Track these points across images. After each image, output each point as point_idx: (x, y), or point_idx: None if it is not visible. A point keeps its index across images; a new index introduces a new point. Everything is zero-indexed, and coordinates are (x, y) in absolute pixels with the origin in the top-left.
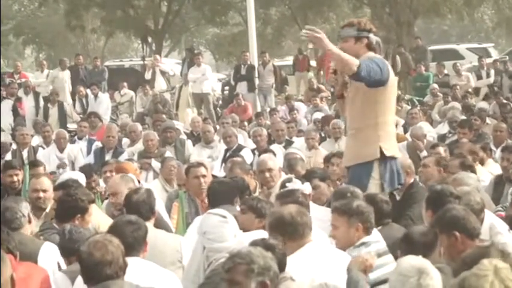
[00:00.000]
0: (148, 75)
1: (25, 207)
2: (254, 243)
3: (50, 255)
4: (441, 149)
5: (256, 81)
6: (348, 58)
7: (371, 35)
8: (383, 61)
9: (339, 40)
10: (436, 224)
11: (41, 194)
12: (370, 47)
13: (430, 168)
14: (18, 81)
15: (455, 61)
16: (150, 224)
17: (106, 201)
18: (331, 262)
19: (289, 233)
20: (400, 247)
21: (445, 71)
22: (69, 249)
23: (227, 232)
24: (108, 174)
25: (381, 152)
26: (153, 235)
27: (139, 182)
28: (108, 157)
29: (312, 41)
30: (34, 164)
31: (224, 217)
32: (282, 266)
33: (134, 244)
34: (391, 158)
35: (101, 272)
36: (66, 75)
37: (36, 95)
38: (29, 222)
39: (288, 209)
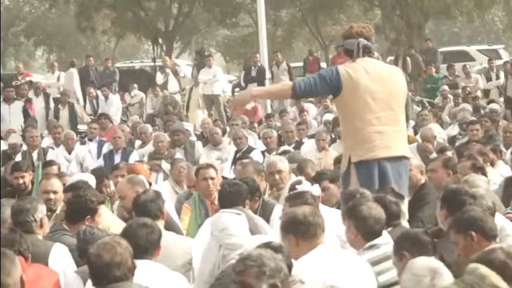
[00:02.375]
0: (160, 79)
1: (40, 211)
2: (261, 246)
3: (60, 256)
4: (449, 154)
5: (271, 82)
6: (274, 90)
7: (347, 41)
8: (335, 70)
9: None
10: (454, 224)
11: (52, 196)
12: (348, 53)
13: (438, 173)
14: (23, 81)
15: (465, 63)
16: (160, 226)
17: (117, 202)
18: (343, 264)
19: (302, 232)
20: (405, 247)
21: (456, 73)
22: (81, 250)
23: (244, 228)
24: (119, 179)
25: (349, 160)
26: (163, 237)
27: (150, 184)
28: (117, 158)
29: (236, 108)
30: (48, 163)
31: (239, 214)
32: (288, 269)
33: (147, 247)
34: (370, 161)
35: (110, 273)
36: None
37: (47, 96)
38: (41, 226)
39: (302, 209)
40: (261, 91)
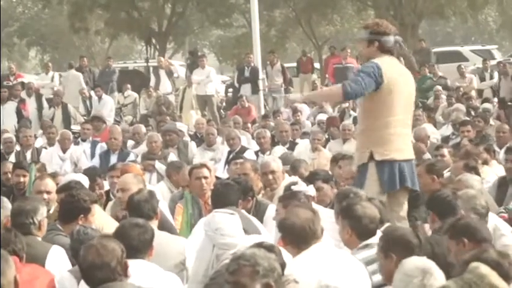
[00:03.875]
0: (153, 81)
1: (41, 214)
2: (253, 246)
3: (58, 258)
4: (445, 151)
5: (265, 82)
6: (325, 93)
7: (385, 38)
8: (376, 65)
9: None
10: (448, 230)
11: (45, 196)
12: (383, 49)
13: (422, 179)
14: (14, 81)
15: (459, 63)
16: (153, 226)
17: (111, 203)
18: (337, 264)
19: (302, 242)
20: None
21: (440, 73)
22: (75, 250)
23: (238, 228)
24: (115, 180)
25: (372, 156)
26: (157, 237)
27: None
28: (114, 159)
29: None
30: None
31: (232, 213)
32: (281, 268)
33: (140, 247)
34: (391, 161)
35: (93, 275)
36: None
37: (39, 97)
38: (40, 228)
39: (299, 219)
40: (312, 95)
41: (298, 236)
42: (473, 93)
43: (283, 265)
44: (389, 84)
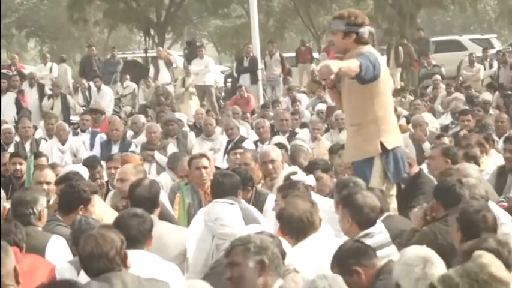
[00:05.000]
0: (152, 72)
1: (40, 204)
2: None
3: (57, 248)
4: (446, 140)
5: (263, 72)
6: (349, 66)
7: (361, 29)
8: (375, 55)
9: (328, 31)
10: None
11: (45, 186)
12: (360, 41)
13: (436, 160)
14: (15, 72)
15: (458, 52)
16: (154, 216)
17: (111, 193)
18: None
19: (299, 233)
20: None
21: (434, 62)
22: (75, 239)
23: (237, 218)
24: (112, 170)
25: (383, 147)
26: (158, 227)
27: None
28: (115, 149)
29: (324, 77)
30: (37, 155)
31: (232, 204)
32: (282, 257)
33: (139, 237)
34: (394, 148)
35: (91, 265)
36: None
37: (41, 87)
38: (40, 219)
39: (298, 210)
40: (342, 66)
41: (296, 227)
42: (479, 84)
43: (283, 255)
44: (384, 73)
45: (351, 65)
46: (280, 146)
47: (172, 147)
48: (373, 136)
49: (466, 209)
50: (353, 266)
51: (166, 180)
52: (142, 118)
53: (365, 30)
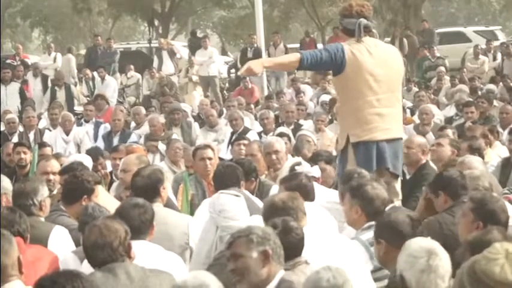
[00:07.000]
0: (156, 62)
1: (41, 194)
2: (273, 224)
3: (60, 238)
4: (449, 131)
5: None
6: (282, 60)
7: (346, 20)
8: (340, 48)
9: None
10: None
11: (51, 177)
12: (347, 33)
13: (444, 148)
14: (19, 62)
15: (462, 44)
16: (159, 205)
17: (115, 184)
18: (328, 246)
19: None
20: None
21: (438, 54)
22: (84, 225)
23: (242, 210)
24: (117, 161)
25: (348, 139)
26: (162, 217)
27: None
28: (116, 140)
29: (249, 73)
30: (42, 145)
31: (237, 195)
32: (298, 250)
33: (141, 227)
34: (367, 142)
35: (95, 255)
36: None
37: (45, 78)
38: (41, 209)
39: (278, 196)
40: (271, 62)
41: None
42: (485, 76)
43: (300, 247)
44: (358, 67)
45: (291, 58)
46: (282, 135)
47: (175, 137)
48: (343, 128)
49: (484, 199)
50: None
51: (164, 168)
52: (143, 109)
53: (350, 22)
